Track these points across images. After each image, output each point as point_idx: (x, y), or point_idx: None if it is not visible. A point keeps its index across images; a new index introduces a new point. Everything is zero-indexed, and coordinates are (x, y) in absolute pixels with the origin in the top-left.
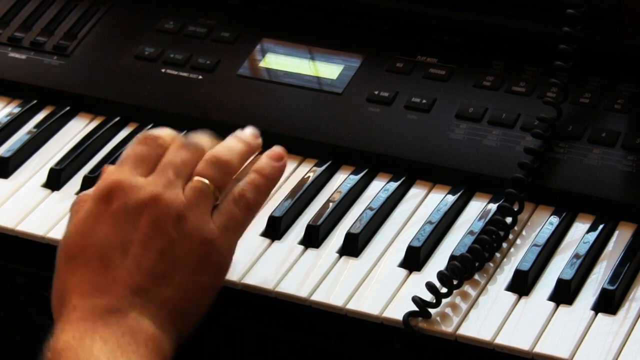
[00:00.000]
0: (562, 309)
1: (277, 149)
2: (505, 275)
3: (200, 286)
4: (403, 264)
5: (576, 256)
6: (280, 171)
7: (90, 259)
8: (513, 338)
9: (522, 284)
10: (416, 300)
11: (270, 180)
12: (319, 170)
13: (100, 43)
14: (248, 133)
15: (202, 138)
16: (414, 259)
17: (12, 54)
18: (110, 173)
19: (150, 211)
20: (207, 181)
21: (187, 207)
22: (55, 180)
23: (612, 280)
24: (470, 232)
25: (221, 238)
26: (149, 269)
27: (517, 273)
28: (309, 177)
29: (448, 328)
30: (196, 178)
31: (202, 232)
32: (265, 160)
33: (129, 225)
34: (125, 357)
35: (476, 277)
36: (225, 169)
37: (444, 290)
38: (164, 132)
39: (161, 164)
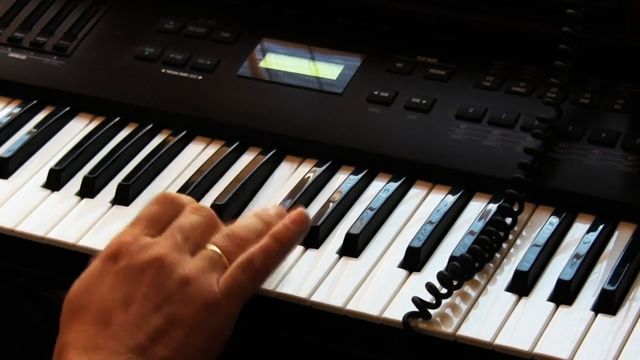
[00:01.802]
0: (562, 309)
1: (300, 213)
2: (505, 275)
3: (198, 347)
4: (403, 265)
5: (576, 256)
6: (299, 237)
7: (91, 315)
8: (513, 339)
9: (522, 285)
10: (416, 300)
11: (286, 247)
12: (319, 170)
13: (100, 43)
14: (272, 213)
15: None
16: (414, 260)
17: (12, 54)
18: (122, 233)
19: (154, 270)
20: (219, 251)
21: (193, 271)
22: (55, 180)
23: (612, 281)
24: (470, 233)
25: (223, 303)
26: (148, 327)
27: (517, 273)
28: (309, 177)
29: (448, 329)
30: (210, 247)
31: (203, 296)
32: (284, 224)
33: (132, 283)
34: None
35: (476, 277)
36: (240, 245)
37: (443, 290)
38: (182, 197)
39: (171, 226)
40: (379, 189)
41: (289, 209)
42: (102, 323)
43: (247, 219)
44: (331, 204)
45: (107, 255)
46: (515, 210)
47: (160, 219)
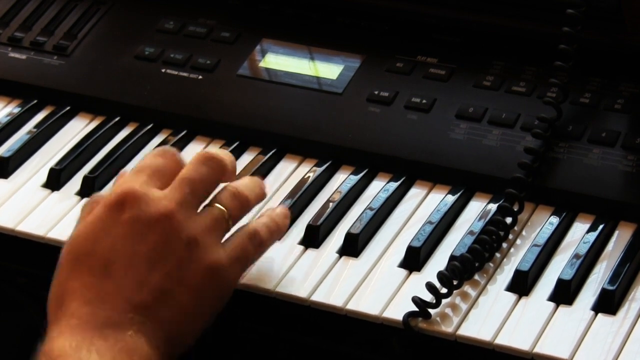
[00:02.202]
0: (562, 309)
1: (286, 209)
2: (505, 275)
3: (201, 310)
4: (403, 264)
5: (576, 256)
6: (286, 228)
7: (95, 266)
8: (513, 338)
9: (522, 284)
10: (416, 300)
11: (281, 230)
12: (319, 170)
13: (100, 43)
14: (262, 182)
15: (223, 153)
16: (414, 259)
17: (12, 54)
18: (126, 180)
19: (161, 228)
20: (225, 210)
21: (200, 230)
22: (55, 180)
23: (612, 280)
24: (470, 232)
25: (229, 266)
26: (152, 286)
27: (517, 273)
28: (309, 177)
29: (448, 328)
30: (216, 205)
31: (211, 257)
32: (280, 210)
33: (138, 238)
34: None
35: (476, 277)
36: (244, 204)
37: (443, 290)
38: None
39: (178, 177)
40: (378, 188)
41: (289, 209)
42: (106, 276)
43: (246, 179)
44: (331, 204)
45: (112, 203)
46: (515, 210)
47: (165, 171)
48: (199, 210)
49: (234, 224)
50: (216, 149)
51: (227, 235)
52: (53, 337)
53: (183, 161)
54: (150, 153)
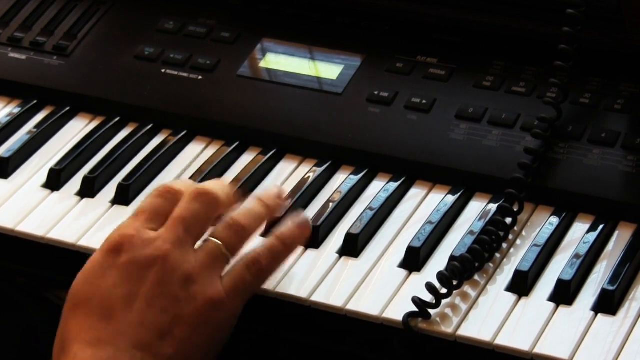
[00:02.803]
0: (562, 309)
1: (305, 218)
2: (505, 275)
3: (201, 345)
4: (403, 265)
5: (576, 256)
6: (301, 242)
7: (94, 309)
8: (513, 339)
9: (522, 285)
10: (416, 300)
11: (289, 249)
12: (319, 170)
13: (100, 43)
14: (272, 194)
15: (216, 187)
16: (414, 259)
17: (12, 54)
18: (124, 226)
19: (158, 269)
20: (220, 243)
21: (197, 267)
22: (55, 180)
23: (612, 281)
24: (470, 233)
25: (227, 301)
26: (151, 325)
27: (517, 273)
28: (309, 177)
29: (448, 329)
30: (211, 239)
31: (208, 294)
32: (289, 227)
33: (135, 279)
34: None
35: (476, 277)
36: (241, 234)
37: (443, 290)
38: (182, 184)
39: (172, 217)
40: (378, 189)
41: (289, 209)
42: (106, 317)
43: (248, 202)
44: (331, 204)
45: (109, 248)
46: (515, 210)
47: (162, 211)
48: (195, 247)
49: (233, 255)
50: (212, 182)
51: (227, 267)
52: None
53: (182, 194)
54: (150, 194)
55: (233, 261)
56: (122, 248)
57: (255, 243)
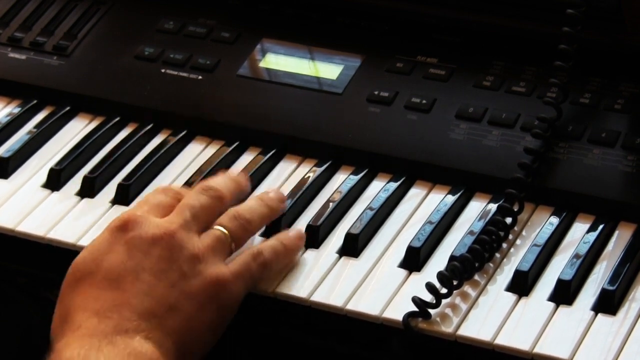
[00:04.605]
0: (562, 309)
1: (300, 230)
2: (505, 275)
3: (205, 323)
4: (403, 264)
5: (576, 256)
6: (298, 250)
7: (101, 281)
8: (513, 338)
9: (522, 284)
10: (416, 300)
11: (289, 252)
12: (319, 170)
13: (100, 43)
14: (273, 197)
15: (222, 183)
16: (414, 259)
17: (12, 54)
18: (131, 210)
19: (164, 244)
20: (226, 232)
21: (202, 249)
22: (55, 180)
23: (612, 281)
24: (470, 232)
25: (232, 281)
26: (158, 297)
27: (517, 273)
28: (309, 177)
29: (448, 328)
30: (217, 227)
31: (215, 272)
32: (290, 232)
33: (142, 254)
34: None
35: (476, 277)
36: (245, 227)
37: (443, 290)
38: (184, 189)
39: (180, 204)
40: (378, 188)
41: (289, 208)
42: (112, 287)
43: (250, 201)
44: (331, 204)
45: (116, 226)
46: (515, 210)
47: (165, 204)
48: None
49: (237, 247)
50: (218, 178)
51: (232, 257)
52: (59, 349)
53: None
54: (153, 191)
55: (236, 253)
56: (129, 226)
57: (256, 241)
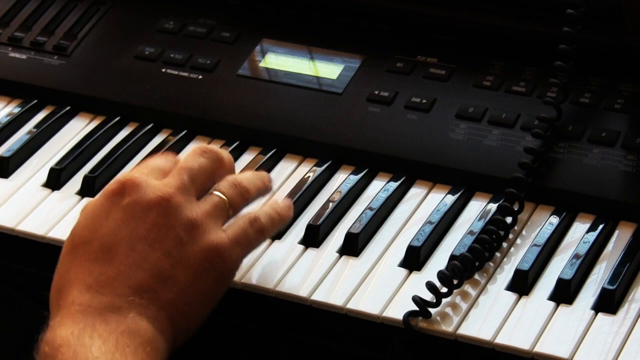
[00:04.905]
0: (562, 308)
1: (290, 201)
2: (505, 275)
3: (202, 292)
4: (403, 264)
5: (576, 256)
6: (288, 220)
7: (95, 251)
8: (513, 338)
9: (522, 284)
10: (416, 299)
11: (282, 219)
12: (319, 170)
13: (100, 43)
14: (263, 175)
15: (220, 150)
16: (414, 259)
17: (12, 54)
18: (127, 173)
19: (160, 209)
20: (225, 198)
21: (200, 214)
22: (55, 180)
23: (612, 280)
24: (470, 232)
25: (230, 248)
26: (153, 268)
27: (517, 273)
28: (309, 177)
29: (448, 328)
30: (215, 192)
31: (211, 238)
32: (282, 201)
33: (138, 220)
34: (122, 358)
35: (476, 276)
36: (243, 194)
37: (444, 290)
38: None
39: (177, 167)
40: (378, 188)
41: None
42: (106, 260)
43: (247, 172)
44: (331, 204)
45: (111, 191)
46: (515, 209)
47: (164, 169)
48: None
49: (234, 214)
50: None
51: (229, 222)
52: (54, 326)
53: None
54: (153, 157)
55: (233, 219)
56: (125, 191)
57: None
